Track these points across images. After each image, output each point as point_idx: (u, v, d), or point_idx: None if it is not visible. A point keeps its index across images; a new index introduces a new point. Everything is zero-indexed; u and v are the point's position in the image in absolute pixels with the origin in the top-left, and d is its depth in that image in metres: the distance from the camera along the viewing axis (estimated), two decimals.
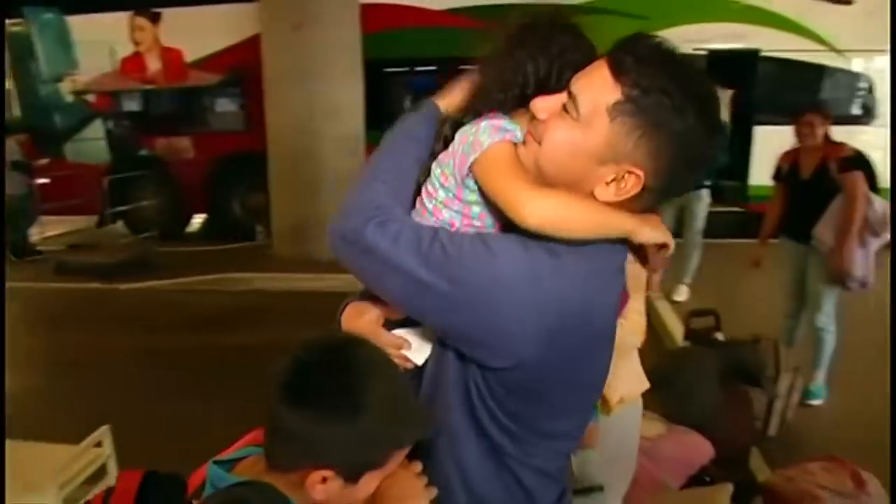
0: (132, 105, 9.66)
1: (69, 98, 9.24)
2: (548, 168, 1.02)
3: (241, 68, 8.74)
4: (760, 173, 8.18)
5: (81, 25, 8.99)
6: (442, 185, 1.08)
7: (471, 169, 1.04)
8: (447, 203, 1.09)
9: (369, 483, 1.05)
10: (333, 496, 1.03)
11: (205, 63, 9.00)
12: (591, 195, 1.00)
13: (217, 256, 8.11)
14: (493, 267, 0.98)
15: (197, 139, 9.20)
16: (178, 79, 9.05)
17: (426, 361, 1.15)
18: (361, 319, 1.18)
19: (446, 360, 1.10)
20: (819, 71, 8.56)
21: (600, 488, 1.75)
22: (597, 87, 0.95)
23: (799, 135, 3.91)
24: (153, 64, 9.07)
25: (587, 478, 1.74)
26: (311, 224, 7.44)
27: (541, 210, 0.96)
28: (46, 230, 8.67)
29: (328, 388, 0.98)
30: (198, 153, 9.15)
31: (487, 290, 0.98)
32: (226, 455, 1.14)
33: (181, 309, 6.48)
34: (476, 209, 1.08)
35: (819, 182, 3.82)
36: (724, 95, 6.80)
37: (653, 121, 0.94)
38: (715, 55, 8.29)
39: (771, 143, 8.04)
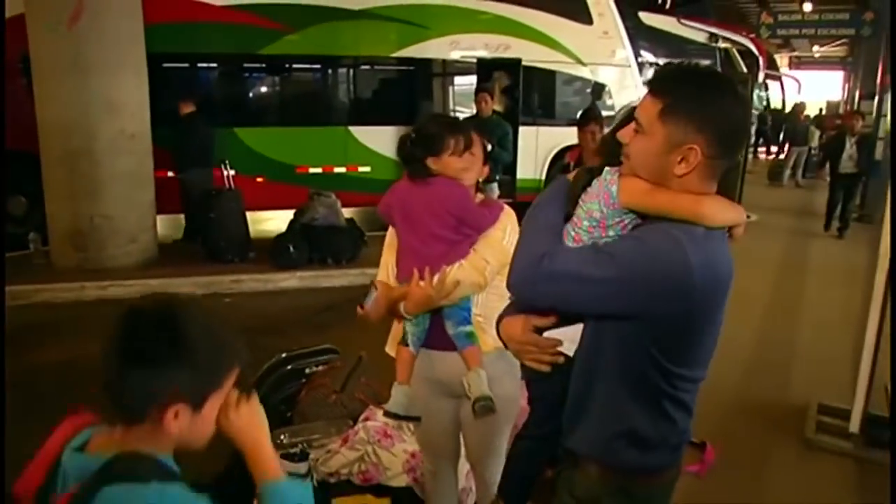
0: None
1: None
2: (640, 171, 1.51)
3: None
4: (525, 169, 9.45)
5: None
6: (588, 217, 1.60)
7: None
8: (590, 230, 1.59)
9: (213, 407, 1.29)
10: (186, 428, 1.23)
11: None
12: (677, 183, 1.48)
13: None
14: (644, 247, 1.45)
15: None
16: None
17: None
18: (518, 329, 1.68)
19: (605, 338, 1.55)
20: (567, 78, 10.01)
21: (489, 398, 2.30)
22: (646, 107, 1.47)
23: (583, 140, 4.80)
24: None
25: (480, 390, 2.30)
26: (92, 229, 7.16)
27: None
28: None
29: (157, 339, 1.18)
30: None
31: (647, 264, 1.43)
32: (73, 443, 1.28)
33: None
34: (612, 230, 1.60)
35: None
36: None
37: (687, 109, 1.43)
38: (482, 62, 9.35)
39: (531, 142, 9.44)
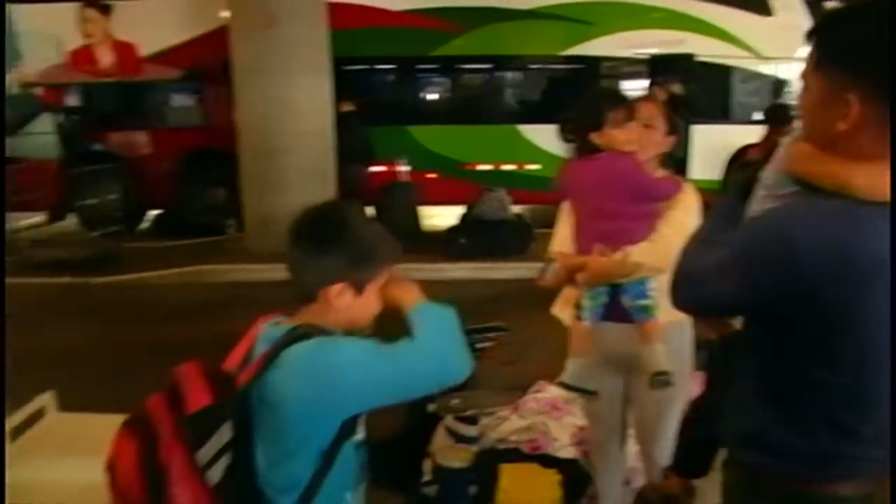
0: (83, 99, 9.61)
1: (13, 90, 9.11)
2: (807, 133, 1.34)
3: (202, 63, 8.91)
4: (698, 169, 9.15)
5: (25, 15, 8.95)
6: (763, 186, 1.42)
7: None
8: (763, 199, 1.39)
9: (372, 291, 1.51)
10: (347, 305, 1.47)
11: (161, 57, 9.09)
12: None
13: (186, 251, 8.26)
14: (753, 222, 1.36)
15: (154, 134, 9.29)
16: (132, 73, 9.15)
17: None
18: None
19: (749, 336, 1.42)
20: (745, 74, 9.60)
21: (667, 373, 2.30)
22: (806, 67, 1.36)
23: (772, 140, 4.64)
24: (105, 57, 9.12)
25: (658, 364, 2.31)
26: (279, 218, 7.68)
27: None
28: None
29: (327, 231, 1.47)
30: (156, 149, 9.23)
31: (745, 240, 1.32)
32: (268, 322, 1.52)
33: (161, 301, 6.74)
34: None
35: None
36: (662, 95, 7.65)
37: (837, 54, 1.26)
38: (654, 59, 9.20)
39: (705, 141, 9.14)
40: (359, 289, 1.48)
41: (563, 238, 2.54)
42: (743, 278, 1.29)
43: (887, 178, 1.20)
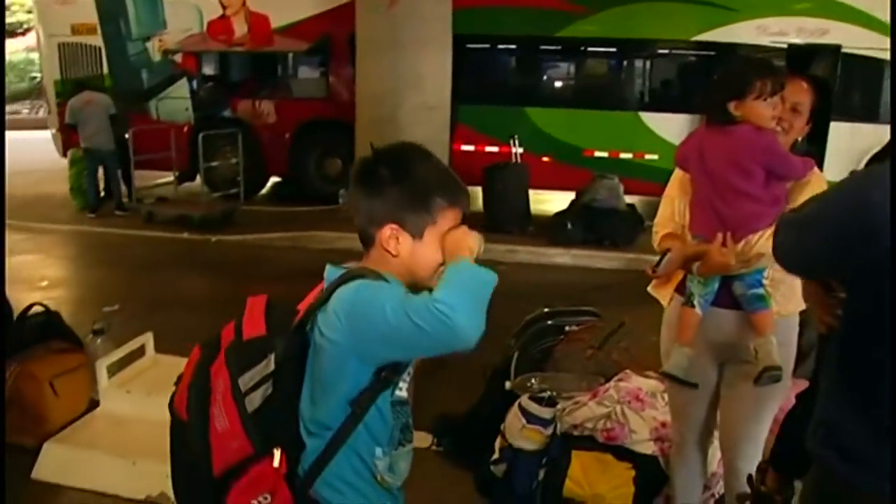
0: (218, 67, 10.18)
1: (157, 57, 9.74)
2: None
3: (327, 36, 9.19)
4: (833, 170, 8.52)
5: None
6: None
7: None
8: None
9: (431, 238, 1.40)
10: (406, 250, 1.40)
11: (290, 29, 9.44)
12: None
13: (299, 217, 8.62)
14: (838, 185, 1.33)
15: (279, 104, 9.69)
16: (263, 43, 9.56)
17: None
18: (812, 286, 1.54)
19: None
20: None
21: (779, 368, 2.12)
22: None
23: None
24: (240, 28, 9.57)
25: (770, 358, 2.13)
26: None
27: None
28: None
29: (380, 167, 1.39)
30: (279, 118, 9.63)
31: (825, 202, 1.33)
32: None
33: (272, 261, 7.13)
34: None
35: None
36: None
37: None
38: (794, 49, 8.62)
39: (844, 141, 8.49)
40: (414, 234, 1.40)
41: (667, 216, 2.37)
42: (826, 230, 1.25)
43: None
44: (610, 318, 3.91)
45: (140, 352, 3.60)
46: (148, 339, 3.64)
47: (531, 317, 3.91)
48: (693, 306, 2.24)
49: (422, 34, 7.86)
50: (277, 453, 1.34)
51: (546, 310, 3.95)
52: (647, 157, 8.91)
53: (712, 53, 8.82)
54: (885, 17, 8.53)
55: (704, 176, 2.19)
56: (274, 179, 10.44)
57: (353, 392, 1.33)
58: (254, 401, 1.34)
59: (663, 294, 2.43)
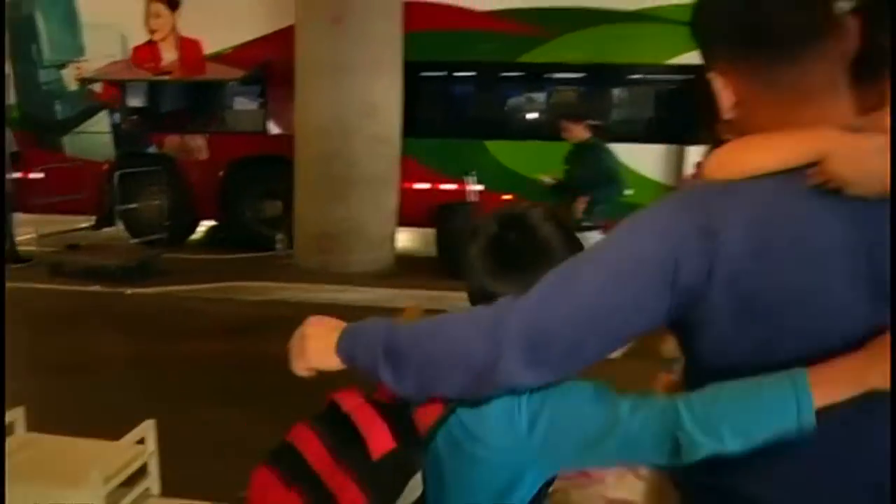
0: (143, 98, 9.34)
1: (73, 86, 8.91)
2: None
3: (266, 64, 8.46)
4: None
5: (90, 7, 8.81)
6: None
7: None
8: None
9: None
10: None
11: (225, 56, 8.71)
12: None
13: (232, 265, 7.87)
14: None
15: (211, 139, 8.88)
16: (194, 72, 8.80)
17: None
18: None
19: None
20: None
21: None
22: None
23: None
24: (168, 54, 8.81)
25: None
26: (339, 232, 7.31)
27: None
28: (40, 229, 8.24)
29: (521, 252, 1.24)
30: (211, 154, 8.81)
31: None
32: None
33: (197, 316, 6.35)
34: None
35: None
36: None
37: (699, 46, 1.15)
38: None
39: None
40: None
41: None
42: None
43: (740, 155, 1.06)
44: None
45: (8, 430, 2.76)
46: (18, 414, 2.79)
47: None
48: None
49: (369, 58, 7.27)
50: None
51: None
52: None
53: (691, 77, 8.26)
54: None
55: None
56: (209, 223, 9.57)
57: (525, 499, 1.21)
58: None
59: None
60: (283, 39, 7.85)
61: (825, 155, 0.97)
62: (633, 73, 8.64)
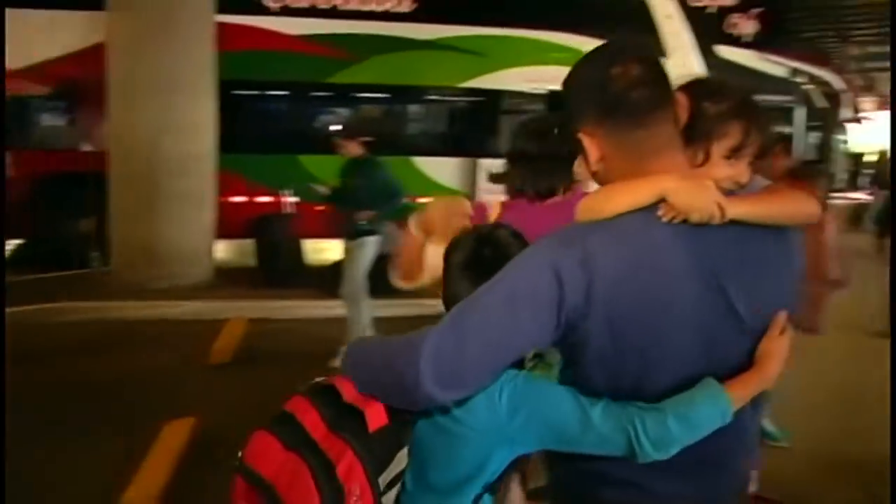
0: None
1: None
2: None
3: (76, 80, 8.44)
4: None
5: None
6: None
7: None
8: None
9: None
10: None
11: (32, 71, 8.54)
12: None
13: (43, 285, 7.61)
14: None
15: (17, 155, 8.67)
16: None
17: None
18: None
19: None
20: None
21: None
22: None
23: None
24: None
25: None
26: (155, 247, 7.43)
27: None
28: None
29: (494, 266, 1.29)
30: (17, 170, 8.61)
31: None
32: None
33: (17, 339, 6.11)
34: None
35: None
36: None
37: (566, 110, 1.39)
38: (553, 94, 9.32)
39: None
40: None
41: None
42: None
43: (603, 199, 1.27)
44: None
45: None
46: None
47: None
48: None
49: (182, 77, 7.47)
50: None
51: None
52: (421, 202, 9.11)
53: (481, 99, 9.32)
54: None
55: None
56: (16, 241, 9.27)
57: (492, 478, 1.35)
58: (389, 501, 1.29)
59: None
60: (93, 56, 7.88)
61: (668, 194, 1.20)
62: (431, 95, 9.57)
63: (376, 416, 1.25)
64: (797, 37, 12.84)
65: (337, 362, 5.25)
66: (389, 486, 1.28)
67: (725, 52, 10.13)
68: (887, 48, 14.75)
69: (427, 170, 9.16)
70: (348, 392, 1.29)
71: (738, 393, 1.23)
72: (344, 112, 9.61)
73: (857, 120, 11.87)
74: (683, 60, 9.69)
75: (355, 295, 5.95)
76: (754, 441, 1.46)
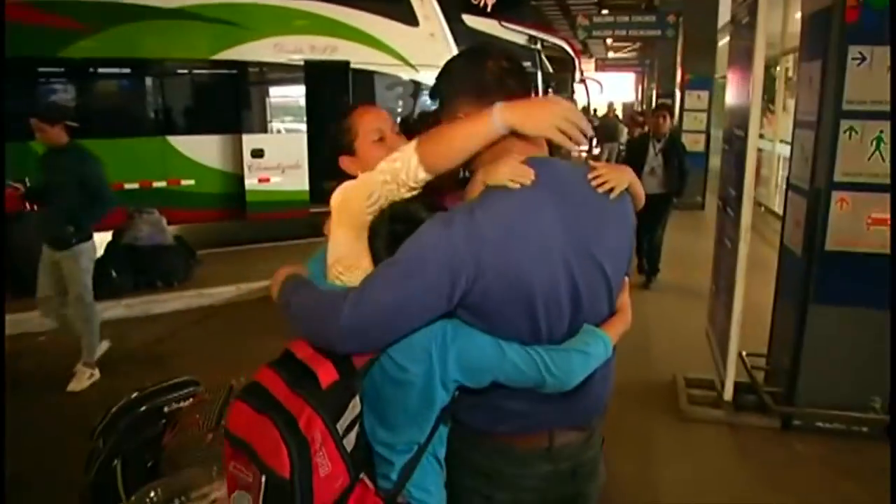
0: None
1: None
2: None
3: None
4: None
5: None
6: None
7: None
8: None
9: None
10: None
11: None
12: None
13: None
14: None
15: None
16: None
17: None
18: None
19: None
20: (397, 81, 10.08)
21: None
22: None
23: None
24: None
25: None
26: None
27: None
28: None
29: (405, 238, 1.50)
30: None
31: None
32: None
33: None
34: None
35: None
36: None
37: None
38: (310, 65, 9.17)
39: None
40: None
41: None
42: None
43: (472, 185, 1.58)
44: (209, 381, 3.57)
45: None
46: None
47: (118, 407, 3.28)
48: None
49: None
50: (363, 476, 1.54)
51: (135, 394, 3.39)
52: (184, 182, 8.57)
53: (234, 71, 8.86)
54: (383, 36, 9.65)
55: None
56: None
57: (441, 412, 1.59)
58: (350, 441, 1.47)
59: None
60: None
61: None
62: (181, 68, 8.89)
63: (326, 374, 1.44)
64: (528, 5, 13.86)
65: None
66: (349, 429, 1.46)
67: (471, 20, 10.62)
68: (600, 18, 16.57)
69: (185, 150, 8.57)
70: (300, 350, 1.49)
71: (612, 334, 1.62)
72: (82, 90, 8.56)
73: (583, 81, 13.09)
74: (432, 29, 10.04)
75: (84, 310, 5.41)
76: (613, 374, 1.76)
